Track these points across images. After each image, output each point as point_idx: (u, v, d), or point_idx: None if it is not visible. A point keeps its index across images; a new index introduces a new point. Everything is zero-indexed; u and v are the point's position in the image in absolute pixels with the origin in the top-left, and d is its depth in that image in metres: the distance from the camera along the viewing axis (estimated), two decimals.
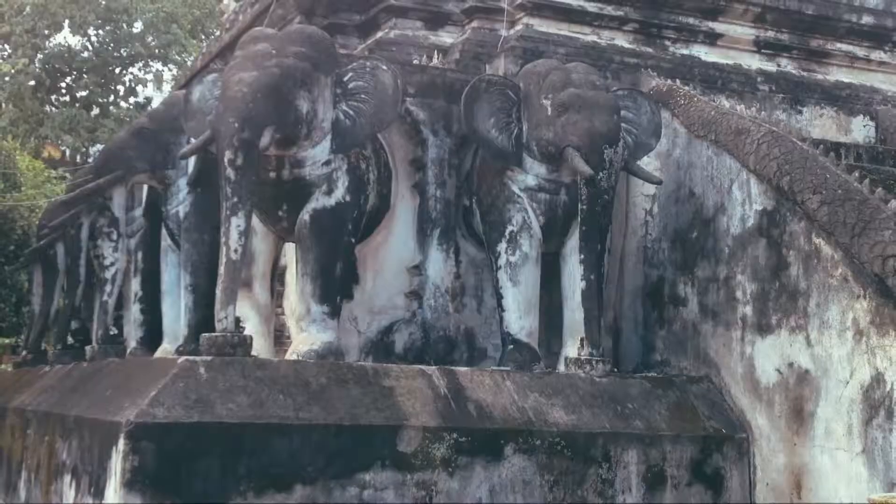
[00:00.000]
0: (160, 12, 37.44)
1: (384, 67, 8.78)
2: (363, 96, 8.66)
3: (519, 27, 11.85)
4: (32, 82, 36.89)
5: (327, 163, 8.63)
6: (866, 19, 13.45)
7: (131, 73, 40.12)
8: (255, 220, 8.71)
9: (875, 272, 7.32)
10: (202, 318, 9.21)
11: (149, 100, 39.28)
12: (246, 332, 8.08)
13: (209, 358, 7.54)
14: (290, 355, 8.45)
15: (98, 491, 7.46)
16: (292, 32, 8.97)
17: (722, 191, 9.10)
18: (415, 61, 11.18)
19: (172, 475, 6.88)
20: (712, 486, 8.40)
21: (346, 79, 8.71)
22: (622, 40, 12.24)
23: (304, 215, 8.63)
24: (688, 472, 8.33)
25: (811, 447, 7.76)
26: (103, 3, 37.06)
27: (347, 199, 8.70)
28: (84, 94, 38.36)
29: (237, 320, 8.03)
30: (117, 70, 39.57)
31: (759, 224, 8.61)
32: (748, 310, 8.60)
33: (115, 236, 11.48)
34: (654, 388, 8.74)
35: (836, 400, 7.62)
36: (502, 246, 9.33)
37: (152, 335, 10.89)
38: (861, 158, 10.52)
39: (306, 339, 8.49)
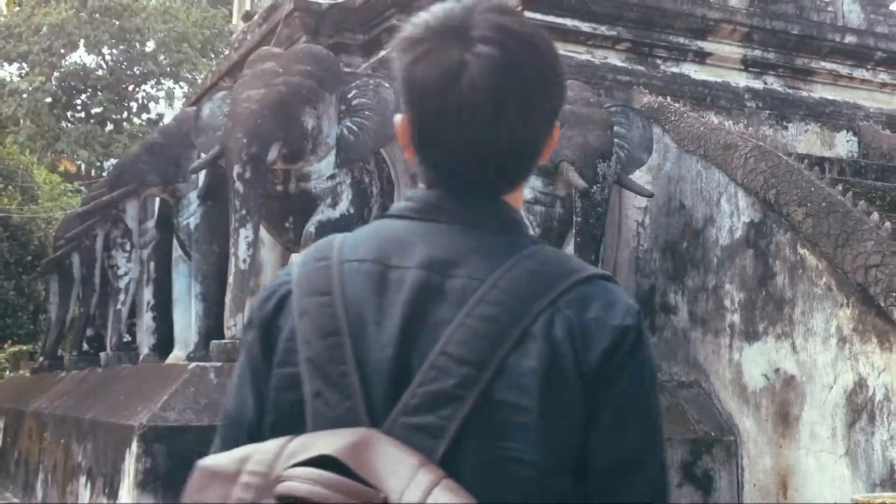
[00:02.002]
0: (172, 32, 37.54)
1: (386, 85, 8.78)
2: (366, 113, 8.66)
3: None
4: (49, 99, 36.96)
5: (332, 177, 8.65)
6: (849, 39, 13.47)
7: (144, 90, 40.23)
8: (263, 232, 8.73)
9: (858, 281, 7.33)
10: (212, 325, 9.23)
11: (161, 116, 39.38)
12: None
13: (219, 364, 7.56)
14: None
15: (112, 491, 7.47)
16: (298, 51, 8.98)
17: (711, 203, 9.12)
18: None
19: (184, 476, 6.88)
20: (702, 486, 8.40)
21: (349, 96, 8.71)
22: (615, 59, 12.26)
23: (310, 227, 8.64)
24: (678, 473, 8.33)
25: (797, 449, 7.77)
26: (117, 23, 37.13)
27: (351, 211, 8.72)
28: (98, 110, 38.45)
29: None
30: (130, 87, 39.67)
31: (746, 235, 8.63)
32: (736, 318, 8.61)
33: (128, 247, 11.49)
34: None
35: (821, 404, 7.62)
36: None
37: (164, 342, 10.91)
38: (844, 172, 10.54)
39: None
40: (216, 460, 1.68)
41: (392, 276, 1.67)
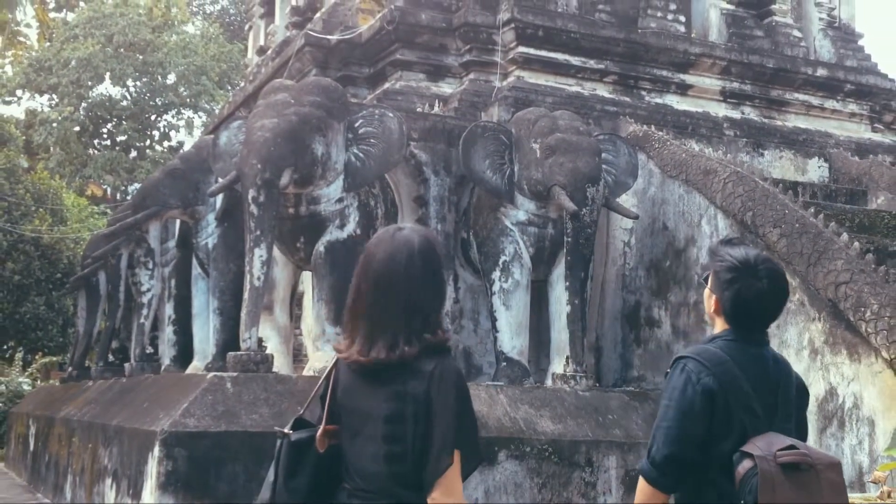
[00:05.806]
0: (191, 66, 37.62)
1: (391, 115, 8.80)
2: (372, 140, 8.67)
3: (511, 79, 11.92)
4: (77, 128, 37.07)
5: (340, 200, 8.65)
6: (821, 72, 13.52)
7: (165, 119, 40.31)
8: (276, 251, 8.72)
9: (828, 297, 7.35)
10: (229, 338, 9.22)
11: (181, 144, 39.43)
12: (268, 351, 8.10)
13: (235, 374, 7.57)
14: (307, 371, 8.47)
15: (136, 492, 7.47)
16: (309, 83, 9.00)
17: (692, 225, 9.14)
18: (418, 109, 11.23)
19: (202, 478, 6.90)
20: None
21: (356, 125, 8.72)
22: (603, 90, 12.31)
23: (320, 247, 8.64)
24: None
25: None
26: (140, 57, 37.23)
27: (358, 232, 8.71)
28: (123, 138, 38.51)
29: (260, 340, 8.06)
30: (153, 117, 39.74)
31: None
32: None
33: (150, 265, 11.50)
34: (632, 401, 8.75)
35: None
36: (496, 274, 9.35)
37: (184, 354, 10.90)
38: (816, 196, 10.58)
39: (322, 356, 8.50)
40: (753, 449, 3.29)
41: (751, 375, 3.46)
